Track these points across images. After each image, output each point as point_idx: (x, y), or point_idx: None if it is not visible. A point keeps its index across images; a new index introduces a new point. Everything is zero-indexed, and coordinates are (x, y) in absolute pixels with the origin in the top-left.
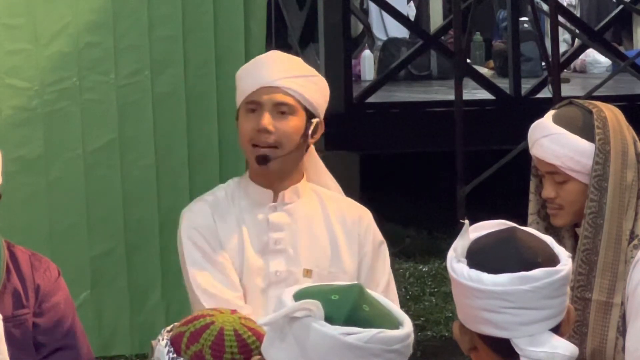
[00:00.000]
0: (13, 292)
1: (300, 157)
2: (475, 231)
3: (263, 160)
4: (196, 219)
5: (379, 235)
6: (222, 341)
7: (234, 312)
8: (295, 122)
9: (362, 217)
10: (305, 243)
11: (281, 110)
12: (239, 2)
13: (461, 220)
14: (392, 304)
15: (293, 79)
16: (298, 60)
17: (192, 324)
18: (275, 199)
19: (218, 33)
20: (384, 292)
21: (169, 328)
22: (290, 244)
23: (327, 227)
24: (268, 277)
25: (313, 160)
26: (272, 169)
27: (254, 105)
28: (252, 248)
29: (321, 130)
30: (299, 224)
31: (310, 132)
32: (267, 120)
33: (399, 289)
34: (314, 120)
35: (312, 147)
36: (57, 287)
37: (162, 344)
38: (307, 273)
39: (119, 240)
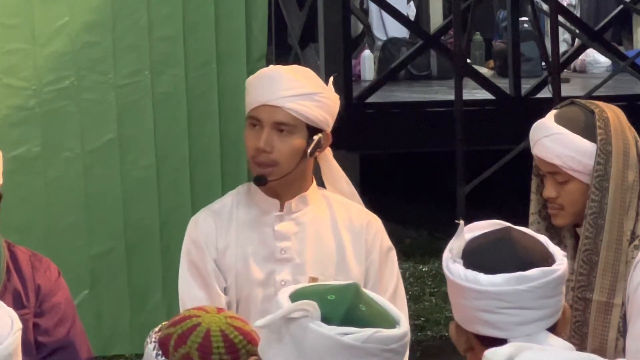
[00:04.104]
0: (13, 292)
1: (304, 169)
2: (469, 231)
3: (260, 181)
4: (198, 232)
5: (387, 242)
6: (209, 342)
7: (220, 310)
8: (294, 141)
9: (370, 223)
10: (312, 251)
11: (281, 128)
12: (240, 2)
13: (456, 221)
14: (388, 303)
15: (295, 98)
16: (305, 75)
17: (180, 325)
18: (282, 209)
19: (219, 33)
20: (391, 299)
21: (157, 329)
22: (296, 252)
23: (335, 234)
24: (274, 287)
25: (329, 164)
26: (272, 187)
27: (255, 120)
28: (257, 257)
29: (327, 142)
30: (307, 232)
31: (310, 150)
32: (264, 140)
33: None
34: (316, 137)
35: (328, 151)
36: (57, 287)
37: (150, 347)
38: (313, 281)
39: (119, 240)
